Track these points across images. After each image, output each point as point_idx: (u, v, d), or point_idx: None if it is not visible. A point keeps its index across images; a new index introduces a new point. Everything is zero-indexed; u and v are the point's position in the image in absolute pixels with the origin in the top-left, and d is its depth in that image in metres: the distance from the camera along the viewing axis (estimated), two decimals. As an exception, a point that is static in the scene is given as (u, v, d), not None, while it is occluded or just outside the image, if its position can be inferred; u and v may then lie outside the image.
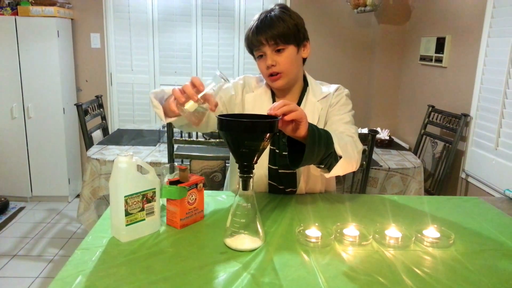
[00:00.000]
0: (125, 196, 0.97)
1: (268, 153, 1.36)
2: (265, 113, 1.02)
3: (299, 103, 1.36)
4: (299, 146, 1.08)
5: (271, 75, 1.29)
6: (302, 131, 1.03)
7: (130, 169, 0.98)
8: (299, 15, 1.31)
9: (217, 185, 2.25)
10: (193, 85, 1.01)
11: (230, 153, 1.51)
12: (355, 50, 3.80)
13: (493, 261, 0.97)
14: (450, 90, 2.83)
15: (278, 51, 1.26)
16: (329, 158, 1.12)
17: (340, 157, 1.13)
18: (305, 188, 1.39)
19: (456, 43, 2.75)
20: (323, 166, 1.15)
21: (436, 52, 2.96)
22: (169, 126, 2.06)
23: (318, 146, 1.06)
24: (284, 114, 1.00)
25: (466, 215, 1.25)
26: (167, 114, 1.20)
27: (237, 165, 1.44)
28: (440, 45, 2.91)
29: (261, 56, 1.30)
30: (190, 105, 1.01)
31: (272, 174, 1.38)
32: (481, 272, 0.92)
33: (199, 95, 1.01)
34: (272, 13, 1.27)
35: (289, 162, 1.11)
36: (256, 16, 1.30)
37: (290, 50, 1.27)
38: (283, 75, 1.29)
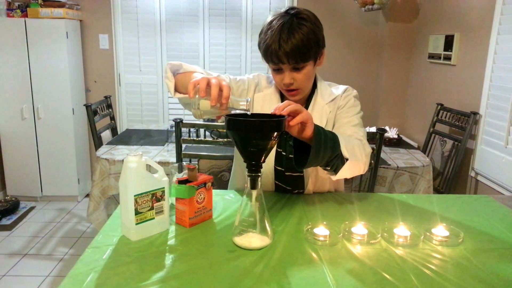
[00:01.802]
0: (134, 195, 0.98)
1: (273, 154, 1.36)
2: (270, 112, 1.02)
3: (307, 106, 1.35)
4: (305, 147, 1.08)
5: (287, 90, 1.27)
6: (308, 132, 1.03)
7: (139, 168, 0.99)
8: (318, 21, 1.23)
9: (225, 184, 2.25)
10: (221, 90, 0.98)
11: (235, 153, 1.53)
12: (363, 48, 3.79)
13: (503, 260, 0.97)
14: (459, 88, 2.81)
15: (297, 68, 1.23)
16: (335, 160, 1.11)
17: (347, 160, 1.13)
18: (313, 189, 1.39)
19: (465, 40, 2.73)
20: (329, 168, 1.15)
21: (444, 50, 2.94)
22: (177, 126, 2.07)
23: (324, 147, 1.05)
24: (289, 114, 1.00)
25: (475, 213, 1.25)
26: (177, 89, 1.21)
27: (240, 164, 1.47)
28: (448, 42, 2.89)
29: (277, 69, 1.25)
30: (205, 104, 0.99)
31: (278, 175, 1.39)
32: (490, 270, 0.92)
33: (218, 104, 0.98)
34: (294, 24, 1.18)
35: (295, 163, 1.11)
36: (275, 24, 1.19)
37: (309, 67, 1.24)
38: (300, 91, 1.28)
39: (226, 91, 0.98)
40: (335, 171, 1.15)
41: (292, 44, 1.17)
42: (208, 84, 0.98)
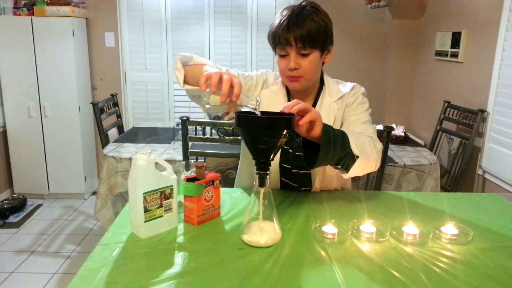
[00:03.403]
0: (143, 193, 0.99)
1: (279, 151, 1.35)
2: (278, 111, 1.02)
3: (314, 104, 1.35)
4: (314, 147, 1.08)
5: (290, 76, 1.26)
6: (317, 131, 1.02)
7: (148, 166, 0.99)
8: (329, 16, 1.25)
9: (232, 182, 2.25)
10: (232, 87, 0.98)
11: (241, 151, 1.52)
12: (369, 46, 3.78)
13: (513, 258, 0.96)
14: (466, 86, 2.79)
15: (303, 54, 1.22)
16: (346, 158, 1.11)
17: (357, 157, 1.12)
18: (320, 187, 1.38)
19: (473, 37, 2.71)
20: (340, 166, 1.14)
21: (451, 47, 2.92)
22: (184, 124, 2.07)
23: (334, 146, 1.05)
24: (297, 113, 1.00)
25: (484, 211, 1.24)
26: (186, 80, 1.21)
27: (246, 162, 1.47)
28: (455, 40, 2.87)
29: (284, 55, 1.25)
30: (214, 99, 0.99)
31: (285, 173, 1.38)
32: (500, 268, 0.91)
33: (227, 101, 0.99)
34: (305, 11, 1.20)
35: (305, 163, 1.10)
36: (286, 12, 1.22)
37: (315, 55, 1.23)
38: (302, 79, 1.26)
39: (237, 89, 0.98)
40: (346, 169, 1.14)
41: (301, 27, 1.18)
42: (220, 80, 0.98)
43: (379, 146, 1.24)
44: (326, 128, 1.04)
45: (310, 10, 1.21)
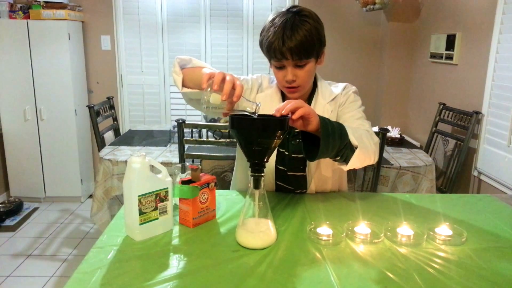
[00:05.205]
0: (138, 196, 0.99)
1: (275, 153, 1.36)
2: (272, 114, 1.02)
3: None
4: (313, 140, 1.08)
5: (288, 87, 1.27)
6: (314, 124, 1.03)
7: (143, 169, 0.99)
8: (319, 19, 1.24)
9: (228, 185, 2.25)
10: (233, 87, 1.00)
11: (237, 153, 1.53)
12: (364, 48, 3.79)
13: (506, 258, 0.97)
14: (461, 88, 2.81)
15: (299, 66, 1.22)
16: (344, 150, 1.11)
17: (356, 148, 1.12)
18: (315, 189, 1.39)
19: (467, 40, 2.73)
20: (339, 158, 1.14)
21: (446, 50, 2.94)
22: (180, 126, 2.07)
23: (332, 137, 1.05)
24: (291, 112, 1.00)
25: (478, 212, 1.25)
26: (184, 83, 1.21)
27: (242, 165, 1.47)
28: (450, 42, 2.88)
29: (280, 67, 1.25)
30: (215, 98, 1.00)
31: (281, 175, 1.39)
32: (494, 269, 0.92)
33: (227, 99, 1.00)
34: (297, 20, 1.18)
35: (305, 155, 1.11)
36: (277, 21, 1.20)
37: (311, 64, 1.24)
38: (300, 88, 1.28)
39: (239, 90, 1.00)
40: (345, 161, 1.14)
41: (296, 40, 1.17)
42: (223, 79, 1.00)
43: (376, 139, 1.24)
44: (323, 120, 1.05)
45: (302, 19, 1.19)
